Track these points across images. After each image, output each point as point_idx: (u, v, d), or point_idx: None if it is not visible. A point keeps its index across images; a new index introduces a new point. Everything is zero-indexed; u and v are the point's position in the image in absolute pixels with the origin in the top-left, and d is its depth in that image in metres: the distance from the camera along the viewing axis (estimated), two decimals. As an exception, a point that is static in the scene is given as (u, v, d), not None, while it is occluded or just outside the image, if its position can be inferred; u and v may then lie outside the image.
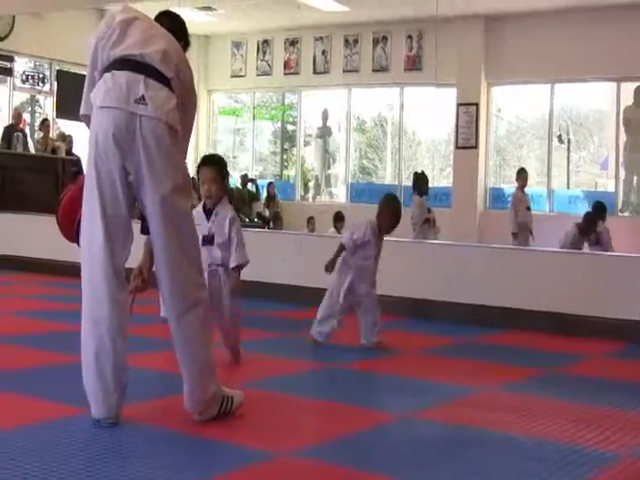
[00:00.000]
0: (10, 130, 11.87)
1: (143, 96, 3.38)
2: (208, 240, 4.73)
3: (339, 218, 12.04)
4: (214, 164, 4.85)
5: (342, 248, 5.68)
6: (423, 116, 14.06)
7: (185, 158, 3.72)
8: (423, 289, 7.13)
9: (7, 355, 5.09)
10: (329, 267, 5.64)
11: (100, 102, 3.42)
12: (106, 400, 3.51)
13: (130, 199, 3.50)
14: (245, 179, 14.87)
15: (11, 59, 11.94)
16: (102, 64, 3.53)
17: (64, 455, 3.15)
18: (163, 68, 3.49)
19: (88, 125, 3.55)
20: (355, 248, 5.65)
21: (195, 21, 13.03)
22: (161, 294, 3.63)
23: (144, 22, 3.65)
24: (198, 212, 4.73)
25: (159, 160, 3.41)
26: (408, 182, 12.84)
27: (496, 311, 7.03)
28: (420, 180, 11.63)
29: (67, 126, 12.73)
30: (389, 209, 5.78)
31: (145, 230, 3.59)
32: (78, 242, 3.61)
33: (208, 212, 4.80)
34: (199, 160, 4.98)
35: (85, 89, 3.63)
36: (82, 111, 3.62)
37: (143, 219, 3.57)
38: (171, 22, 3.85)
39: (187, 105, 3.65)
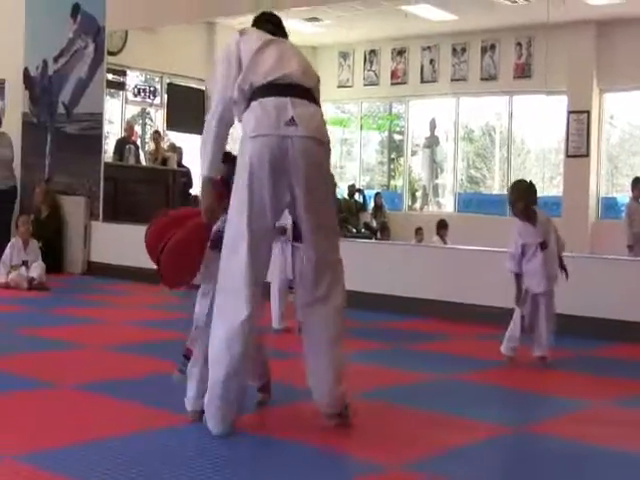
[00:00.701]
0: (122, 143, 12.12)
1: (292, 117, 3.51)
2: (215, 245, 3.78)
3: (442, 226, 11.99)
4: (226, 161, 3.96)
5: (517, 276, 5.60)
6: (532, 124, 13.83)
7: None
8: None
9: (123, 364, 5.20)
10: (517, 301, 5.61)
11: (251, 132, 3.52)
12: (227, 417, 3.57)
13: (276, 222, 3.66)
14: (352, 189, 14.87)
15: (124, 73, 12.20)
16: (243, 93, 3.60)
17: (175, 463, 3.19)
18: (305, 82, 3.65)
19: (208, 185, 3.64)
20: (521, 258, 5.58)
21: (302, 32, 13.10)
22: (303, 296, 3.71)
23: (270, 42, 3.72)
24: None
25: (311, 175, 3.54)
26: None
27: (610, 324, 6.86)
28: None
29: (176, 138, 12.94)
30: (510, 190, 5.79)
31: (296, 238, 3.76)
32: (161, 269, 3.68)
33: None
34: None
35: (211, 146, 3.64)
36: (207, 172, 3.65)
37: (295, 227, 3.75)
38: (273, 24, 3.95)
39: None
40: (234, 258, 3.53)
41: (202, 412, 3.70)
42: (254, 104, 3.56)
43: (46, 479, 2.97)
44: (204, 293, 3.80)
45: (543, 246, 5.56)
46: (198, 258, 3.70)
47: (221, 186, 3.70)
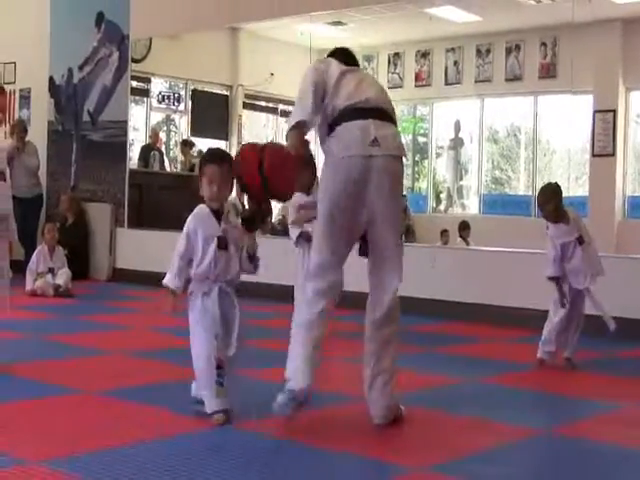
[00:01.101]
0: (147, 149, 12.16)
1: (375, 138, 3.82)
2: (224, 244, 3.95)
3: (464, 227, 11.97)
4: (225, 161, 4.03)
5: (556, 279, 5.53)
6: (558, 124, 13.75)
7: None
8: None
9: (149, 370, 5.20)
10: (563, 304, 5.52)
11: (339, 153, 3.84)
12: (309, 378, 3.78)
13: (356, 236, 3.95)
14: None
15: (148, 80, 12.25)
16: (325, 115, 3.91)
17: (202, 466, 3.18)
18: (383, 105, 3.96)
19: (303, 130, 3.83)
20: (561, 260, 5.51)
21: (327, 36, 13.10)
22: (372, 302, 3.94)
23: (347, 71, 4.01)
24: (202, 210, 4.02)
25: (389, 187, 3.86)
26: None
27: (638, 324, 6.79)
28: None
29: (201, 144, 12.94)
30: (538, 195, 5.72)
31: (364, 253, 3.96)
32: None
33: (215, 213, 4.00)
34: (204, 154, 4.44)
35: (311, 97, 3.83)
36: (303, 117, 3.81)
37: (364, 242, 3.95)
38: (346, 56, 4.24)
39: None
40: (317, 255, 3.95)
41: (225, 411, 3.78)
42: (339, 129, 3.87)
43: (70, 485, 2.97)
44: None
45: (580, 241, 5.53)
46: (295, 174, 3.86)
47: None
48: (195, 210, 4.02)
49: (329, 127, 3.91)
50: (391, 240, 3.94)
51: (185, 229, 3.98)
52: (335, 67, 3.99)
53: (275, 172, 3.71)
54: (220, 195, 3.97)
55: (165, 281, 4.03)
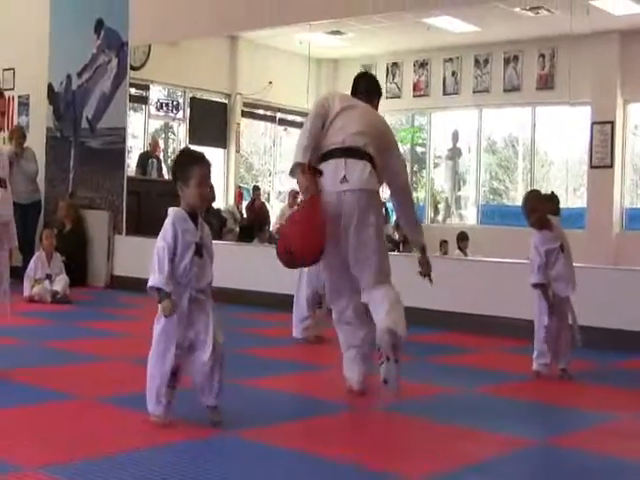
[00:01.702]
0: (145, 157, 12.17)
1: (345, 176, 4.49)
2: (200, 251, 3.88)
3: (463, 238, 11.96)
4: (207, 161, 3.94)
5: (542, 286, 5.52)
6: (556, 135, 13.77)
7: (405, 178, 5.10)
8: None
9: (142, 376, 5.20)
10: (551, 312, 5.48)
11: (323, 187, 4.51)
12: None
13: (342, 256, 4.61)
14: (375, 202, 14.85)
15: (147, 87, 12.26)
16: (320, 148, 4.60)
17: (202, 474, 3.18)
18: (359, 142, 4.57)
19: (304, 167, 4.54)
20: (546, 267, 5.50)
21: (325, 45, 13.14)
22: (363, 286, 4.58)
23: (342, 110, 4.65)
24: (181, 213, 3.90)
25: (358, 219, 4.49)
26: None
27: (636, 336, 6.80)
28: (550, 201, 11.35)
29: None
30: (523, 203, 5.71)
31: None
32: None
33: (192, 218, 3.91)
34: (181, 155, 4.27)
35: (307, 138, 4.58)
36: (297, 159, 4.53)
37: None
38: (366, 83, 5.15)
39: (390, 151, 4.84)
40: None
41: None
42: (323, 164, 4.57)
43: (67, 492, 2.97)
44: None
45: (562, 248, 5.55)
46: (319, 228, 4.44)
47: (311, 169, 4.52)
48: (173, 213, 3.89)
49: (320, 159, 4.58)
50: (366, 269, 4.53)
51: (169, 231, 3.84)
52: (337, 104, 4.66)
53: (297, 249, 4.47)
54: (209, 195, 4.00)
55: (157, 284, 3.79)
